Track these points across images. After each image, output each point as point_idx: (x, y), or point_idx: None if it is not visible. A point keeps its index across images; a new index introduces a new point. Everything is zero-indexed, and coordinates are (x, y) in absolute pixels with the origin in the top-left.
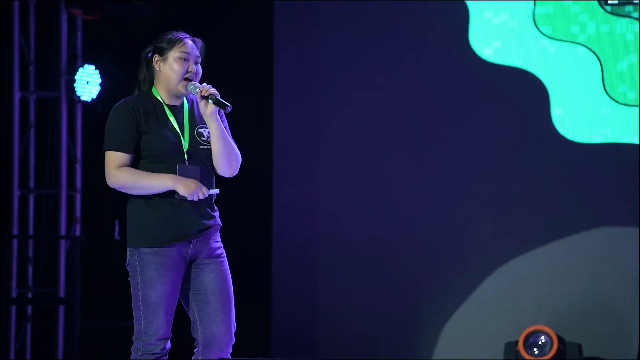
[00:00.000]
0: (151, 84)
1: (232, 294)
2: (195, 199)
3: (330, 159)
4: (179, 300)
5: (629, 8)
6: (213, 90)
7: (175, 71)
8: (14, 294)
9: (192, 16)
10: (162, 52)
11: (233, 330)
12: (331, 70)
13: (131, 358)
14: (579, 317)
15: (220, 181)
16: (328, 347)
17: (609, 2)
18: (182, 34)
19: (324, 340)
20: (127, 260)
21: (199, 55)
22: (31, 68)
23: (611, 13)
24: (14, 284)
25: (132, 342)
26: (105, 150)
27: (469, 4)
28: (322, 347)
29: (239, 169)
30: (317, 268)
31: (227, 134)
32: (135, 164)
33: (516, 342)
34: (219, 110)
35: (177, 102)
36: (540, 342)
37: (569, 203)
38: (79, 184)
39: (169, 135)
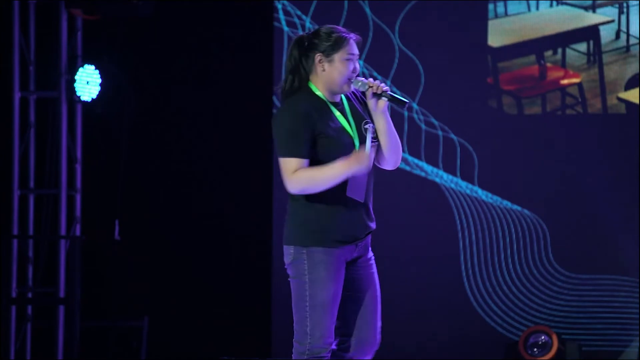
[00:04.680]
0: (306, 77)
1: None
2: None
3: None
4: None
5: None
6: (384, 87)
7: (341, 73)
8: (14, 294)
9: (192, 16)
10: (327, 53)
11: (379, 335)
12: None
13: None
14: (578, 316)
15: (219, 180)
16: None
17: None
18: (344, 32)
19: None
20: (290, 260)
21: (358, 52)
22: (31, 68)
23: None
24: (14, 284)
25: (293, 345)
26: (282, 157)
27: None
28: None
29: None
30: None
31: (393, 127)
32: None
33: (516, 342)
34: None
35: (337, 99)
36: (540, 342)
37: (568, 199)
38: (79, 184)
39: (342, 136)
